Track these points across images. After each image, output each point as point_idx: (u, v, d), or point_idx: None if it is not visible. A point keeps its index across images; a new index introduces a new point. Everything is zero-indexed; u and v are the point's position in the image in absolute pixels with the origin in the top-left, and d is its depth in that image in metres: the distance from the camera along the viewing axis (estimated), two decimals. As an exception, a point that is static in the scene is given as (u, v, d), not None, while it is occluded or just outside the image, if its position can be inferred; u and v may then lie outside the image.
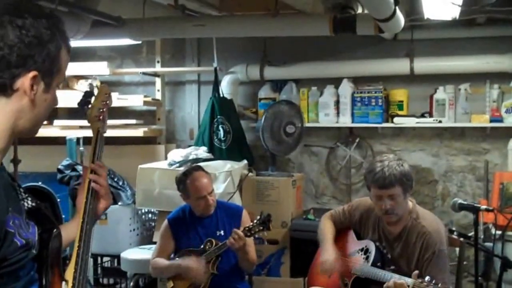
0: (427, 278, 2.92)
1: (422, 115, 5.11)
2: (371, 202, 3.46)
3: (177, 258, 3.92)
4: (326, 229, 3.67)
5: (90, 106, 2.10)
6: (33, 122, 1.68)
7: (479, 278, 3.43)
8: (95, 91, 2.13)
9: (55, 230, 1.76)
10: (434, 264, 3.22)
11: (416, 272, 3.02)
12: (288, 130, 5.02)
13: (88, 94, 2.12)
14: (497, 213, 3.52)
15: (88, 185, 1.96)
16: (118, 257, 4.79)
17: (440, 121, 4.99)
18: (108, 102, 2.12)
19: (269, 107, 5.18)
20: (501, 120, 4.89)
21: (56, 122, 5.81)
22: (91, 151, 2.05)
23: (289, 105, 5.14)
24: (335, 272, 3.47)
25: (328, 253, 3.50)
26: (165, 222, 4.04)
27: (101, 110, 2.09)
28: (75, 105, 2.14)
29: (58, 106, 5.25)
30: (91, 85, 2.15)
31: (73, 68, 5.79)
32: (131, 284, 4.57)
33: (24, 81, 1.58)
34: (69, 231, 1.93)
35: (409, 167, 3.32)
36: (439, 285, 2.88)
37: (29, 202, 1.75)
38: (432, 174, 5.25)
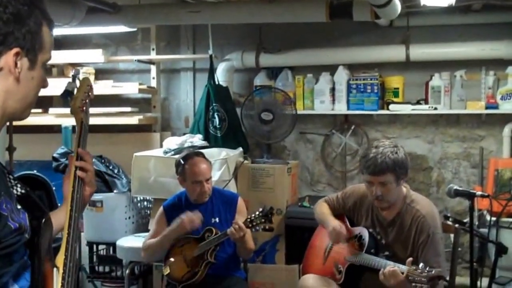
0: (421, 265, 2.92)
1: (418, 102, 5.10)
2: (365, 189, 3.46)
3: (177, 246, 3.90)
4: (324, 209, 3.69)
5: (73, 97, 2.11)
6: (22, 102, 1.67)
7: (474, 264, 3.43)
8: (77, 83, 2.13)
9: (45, 217, 1.76)
10: (429, 247, 3.22)
11: (410, 259, 3.02)
12: (264, 117, 5.02)
13: (70, 85, 2.13)
14: (492, 199, 3.52)
15: (74, 173, 1.96)
16: (113, 245, 4.79)
17: (435, 108, 4.98)
18: (90, 93, 2.12)
19: (251, 93, 5.23)
20: (496, 107, 4.88)
21: (52, 110, 5.81)
22: (75, 142, 2.05)
23: (277, 92, 5.14)
24: (345, 237, 3.46)
25: (332, 223, 3.50)
26: (161, 209, 4.04)
27: (84, 101, 2.10)
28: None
29: (53, 94, 5.24)
30: (73, 76, 2.16)
31: (68, 56, 5.79)
32: (127, 271, 4.56)
33: (7, 59, 1.57)
34: (59, 218, 1.93)
35: (405, 155, 3.32)
36: (433, 271, 2.88)
37: (19, 189, 1.75)
38: (427, 161, 5.25)
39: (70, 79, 2.23)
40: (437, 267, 3.12)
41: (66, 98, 2.11)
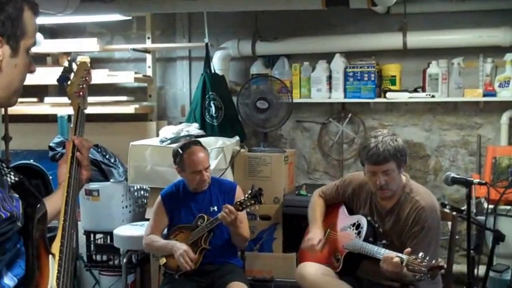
0: (420, 254, 2.91)
1: (415, 90, 5.08)
2: (363, 177, 3.46)
3: (169, 236, 3.91)
4: (317, 208, 3.69)
5: (69, 82, 2.08)
6: (6, 90, 1.66)
7: (471, 251, 3.43)
8: (74, 67, 2.10)
9: (39, 204, 1.75)
10: (421, 239, 3.21)
11: (408, 249, 3.02)
12: (259, 105, 5.00)
13: (66, 70, 2.10)
14: (490, 187, 3.52)
15: (71, 159, 1.95)
16: (111, 234, 4.78)
17: (433, 96, 4.96)
18: (87, 78, 2.10)
19: (247, 82, 5.19)
20: (494, 95, 4.86)
21: (47, 99, 5.78)
22: (73, 127, 2.05)
23: (273, 80, 5.13)
24: (316, 253, 3.49)
25: (313, 234, 3.53)
26: (159, 198, 4.04)
27: (81, 86, 2.07)
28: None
29: (48, 83, 5.23)
30: (69, 61, 2.13)
31: (62, 45, 5.76)
32: (124, 260, 4.56)
33: None
34: (53, 203, 1.92)
35: (403, 142, 3.31)
36: (433, 261, 2.87)
37: (12, 177, 1.74)
38: (424, 149, 5.23)
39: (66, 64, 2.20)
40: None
41: (62, 83, 2.08)
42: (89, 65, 2.16)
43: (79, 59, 2.14)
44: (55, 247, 1.76)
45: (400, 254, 3.00)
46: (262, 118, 5.05)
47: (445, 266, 3.25)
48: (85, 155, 2.01)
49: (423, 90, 5.04)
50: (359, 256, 3.39)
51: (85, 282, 5.22)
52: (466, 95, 4.92)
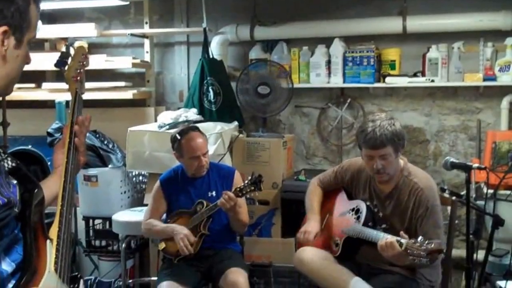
0: (419, 238, 2.91)
1: (415, 75, 5.06)
2: (362, 162, 3.45)
3: (168, 221, 3.91)
4: (314, 198, 3.70)
5: (67, 66, 2.08)
6: (5, 79, 1.68)
7: (471, 236, 3.42)
8: (72, 52, 2.10)
9: (36, 189, 1.74)
10: (427, 219, 3.22)
11: (401, 233, 3.02)
12: (261, 91, 4.98)
13: (64, 55, 2.11)
14: (489, 172, 3.50)
15: (68, 144, 1.95)
16: (109, 219, 4.78)
17: (432, 81, 4.93)
18: (85, 62, 2.10)
19: (246, 67, 5.16)
20: (494, 79, 4.84)
21: (45, 85, 5.75)
22: (70, 112, 2.06)
23: (273, 65, 5.10)
24: (310, 244, 3.49)
25: (310, 227, 3.52)
26: (157, 183, 4.03)
27: (78, 70, 2.08)
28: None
29: (46, 68, 5.22)
30: (67, 45, 2.13)
31: (60, 30, 5.72)
32: (123, 245, 4.55)
33: None
34: (49, 188, 1.91)
35: (401, 126, 3.30)
36: (432, 245, 2.87)
37: (9, 162, 1.74)
38: (424, 134, 5.21)
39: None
40: (436, 239, 3.12)
41: (60, 67, 2.09)
42: (86, 49, 2.16)
43: (77, 43, 2.14)
44: (53, 232, 1.76)
45: (399, 238, 3.00)
46: (263, 103, 5.02)
47: (444, 250, 3.26)
48: (82, 140, 2.03)
49: (423, 74, 5.01)
50: (358, 241, 3.39)
51: (84, 267, 5.23)
52: (466, 80, 4.90)
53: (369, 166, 3.35)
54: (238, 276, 3.62)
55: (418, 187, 3.29)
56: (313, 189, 3.76)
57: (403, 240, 2.97)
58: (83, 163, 2.06)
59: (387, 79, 5.05)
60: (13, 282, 1.59)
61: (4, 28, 1.58)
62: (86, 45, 2.18)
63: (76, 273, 1.86)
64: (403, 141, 3.30)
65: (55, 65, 2.11)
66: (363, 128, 3.30)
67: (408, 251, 2.91)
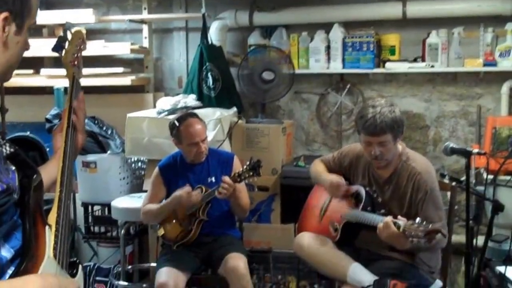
0: (417, 219, 2.91)
1: (414, 60, 5.04)
2: (361, 148, 3.44)
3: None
4: (319, 168, 3.68)
5: (64, 51, 2.07)
6: (5, 66, 1.67)
7: (470, 221, 3.42)
8: (69, 36, 2.09)
9: (35, 175, 1.73)
10: (428, 202, 3.22)
11: (399, 216, 3.02)
12: (266, 76, 4.95)
13: (61, 39, 2.10)
14: (489, 157, 3.50)
15: (66, 129, 1.95)
16: (108, 205, 4.78)
17: (432, 66, 4.92)
18: (82, 47, 2.09)
19: (249, 53, 5.12)
20: (494, 64, 4.82)
21: (43, 71, 5.73)
22: (68, 97, 2.05)
23: (273, 51, 5.07)
24: (346, 189, 3.47)
25: (330, 177, 3.51)
26: (156, 169, 4.03)
27: (75, 55, 2.07)
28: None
29: (44, 55, 5.20)
30: (64, 30, 2.11)
31: (58, 16, 5.68)
32: (122, 232, 4.55)
33: None
34: (49, 172, 1.91)
35: (401, 113, 3.28)
36: (430, 226, 2.86)
37: (7, 148, 1.73)
38: (423, 120, 5.20)
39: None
40: (439, 221, 3.13)
41: (57, 51, 2.08)
42: (84, 34, 2.15)
43: (74, 29, 2.13)
44: (52, 218, 1.75)
45: (396, 220, 2.99)
46: (266, 89, 5.00)
47: (447, 232, 3.26)
48: (80, 118, 2.03)
49: (423, 60, 4.99)
50: (358, 226, 3.39)
51: (83, 254, 5.23)
52: (466, 65, 4.88)
53: (367, 152, 3.34)
54: (238, 261, 3.62)
55: (417, 172, 3.28)
56: (317, 164, 3.74)
57: (400, 222, 2.96)
58: (82, 143, 2.06)
59: (387, 65, 5.03)
60: (12, 268, 1.58)
61: (5, 14, 1.57)
62: (84, 30, 2.17)
63: (75, 259, 1.85)
64: (402, 128, 3.29)
65: (53, 49, 2.10)
66: (362, 113, 3.28)
67: (406, 232, 2.91)
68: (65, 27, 2.14)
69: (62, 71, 2.11)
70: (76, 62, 2.07)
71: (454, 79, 5.09)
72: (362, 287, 3.17)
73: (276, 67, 4.97)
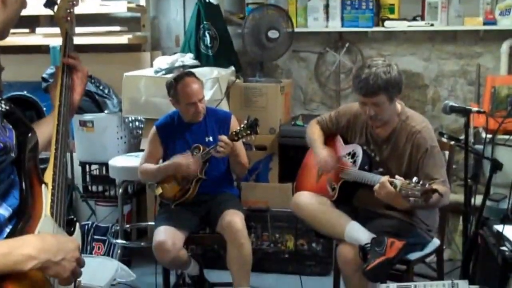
0: (414, 179, 2.90)
1: (414, 19, 4.99)
2: (358, 107, 3.42)
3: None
4: (315, 133, 3.66)
5: (56, 7, 2.04)
6: (3, 24, 1.67)
7: (469, 180, 3.42)
8: None
9: (30, 133, 1.72)
10: (428, 160, 3.21)
11: (397, 176, 3.01)
12: (271, 35, 4.90)
13: None
14: (488, 116, 3.48)
15: (60, 86, 1.93)
16: (106, 164, 4.77)
17: (432, 25, 4.88)
18: (75, 2, 2.06)
19: (251, 11, 5.04)
20: (494, 23, 4.78)
21: (39, 30, 5.67)
22: (61, 53, 2.03)
23: (272, 9, 4.99)
24: (333, 168, 3.46)
25: (322, 153, 3.49)
26: (153, 128, 4.01)
27: (68, 10, 2.04)
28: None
29: (39, 13, 5.11)
30: None
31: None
32: (120, 191, 4.56)
33: None
34: (44, 132, 1.90)
35: (399, 72, 3.24)
36: (426, 185, 2.85)
37: (3, 106, 1.71)
38: (422, 79, 5.17)
39: None
40: (439, 178, 3.13)
41: (50, 7, 2.04)
42: None
43: None
44: (48, 176, 1.74)
45: (393, 180, 2.99)
46: (271, 48, 4.94)
47: (450, 189, 3.27)
48: (78, 78, 2.02)
49: (422, 18, 4.95)
50: (355, 185, 3.39)
51: (81, 213, 5.24)
52: (466, 24, 4.84)
53: (363, 111, 3.33)
54: (234, 217, 3.64)
55: (416, 131, 3.27)
56: (313, 127, 3.72)
57: (397, 181, 2.96)
58: (80, 98, 2.04)
59: (386, 23, 4.99)
60: (9, 227, 1.58)
61: None
62: None
63: (72, 217, 1.84)
64: (399, 89, 3.25)
65: (45, 5, 2.07)
66: (357, 73, 3.26)
67: (403, 191, 2.91)
68: None
69: (58, 30, 2.08)
70: (69, 18, 2.04)
71: (454, 38, 5.05)
72: (360, 245, 3.18)
73: (280, 25, 4.90)
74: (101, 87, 5.06)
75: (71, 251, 1.57)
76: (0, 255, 1.42)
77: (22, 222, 1.58)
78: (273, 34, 4.87)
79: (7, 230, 1.57)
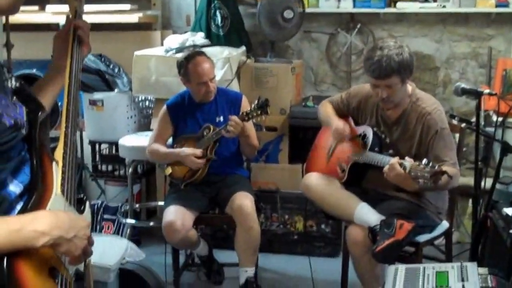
0: (424, 160, 2.89)
1: (426, 0, 4.95)
2: (369, 89, 3.40)
3: (175, 146, 3.91)
4: (328, 109, 3.64)
5: None
6: None
7: (479, 163, 3.41)
8: None
9: (40, 111, 1.72)
10: (438, 142, 3.20)
11: (407, 157, 3.00)
12: (286, 15, 4.87)
13: None
14: (499, 99, 3.46)
15: (70, 65, 1.91)
16: (116, 144, 4.78)
17: (444, 6, 4.85)
18: None
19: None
20: (507, 5, 4.75)
21: (48, 7, 5.66)
22: (70, 33, 2.00)
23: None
24: (347, 136, 3.45)
25: (339, 123, 3.47)
26: (164, 107, 4.00)
27: None
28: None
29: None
30: None
31: (63, -49, 5.58)
32: (130, 170, 4.57)
33: None
34: (48, 91, 1.91)
35: (410, 54, 3.22)
36: (436, 167, 2.84)
37: (13, 82, 1.71)
38: (433, 61, 5.14)
39: None
40: (449, 160, 3.12)
41: None
42: None
43: None
44: (58, 154, 1.73)
45: (402, 161, 2.98)
46: (286, 27, 4.91)
47: (459, 172, 3.25)
48: (86, 31, 2.01)
49: (434, 0, 4.91)
50: (365, 166, 3.38)
51: (91, 192, 5.26)
52: (478, 6, 4.81)
53: (374, 93, 3.31)
54: (244, 200, 3.64)
55: (426, 112, 3.25)
56: (325, 105, 3.71)
57: (406, 163, 2.95)
58: (88, 52, 2.04)
59: (398, 4, 4.96)
60: (21, 203, 1.58)
61: None
62: None
63: (82, 195, 1.84)
64: (410, 70, 3.23)
65: None
66: (369, 56, 3.23)
67: (412, 173, 2.89)
68: None
69: (68, 8, 2.06)
70: None
71: (466, 20, 5.01)
72: (369, 227, 3.18)
73: (293, 5, 4.87)
74: (111, 66, 5.06)
75: (82, 229, 1.58)
76: (12, 231, 1.42)
77: (33, 199, 1.58)
78: (288, 14, 4.84)
79: (18, 207, 1.57)
